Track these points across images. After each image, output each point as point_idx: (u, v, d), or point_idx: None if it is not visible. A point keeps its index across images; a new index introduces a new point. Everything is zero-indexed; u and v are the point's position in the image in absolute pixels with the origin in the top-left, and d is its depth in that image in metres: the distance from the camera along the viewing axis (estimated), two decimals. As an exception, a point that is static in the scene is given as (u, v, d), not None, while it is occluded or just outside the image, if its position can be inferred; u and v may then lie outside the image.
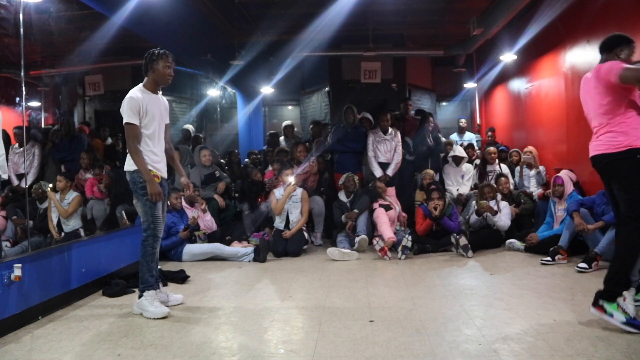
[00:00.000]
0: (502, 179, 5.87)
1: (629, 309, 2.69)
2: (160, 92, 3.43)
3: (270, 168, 6.52)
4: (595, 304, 2.80)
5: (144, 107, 3.23)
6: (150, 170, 3.26)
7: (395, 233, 5.38)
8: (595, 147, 2.95)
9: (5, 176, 3.38)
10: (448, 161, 6.60)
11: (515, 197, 5.76)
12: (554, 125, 6.36)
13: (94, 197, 4.42)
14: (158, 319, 3.13)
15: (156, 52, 3.29)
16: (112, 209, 4.52)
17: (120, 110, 3.24)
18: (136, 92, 3.25)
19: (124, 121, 3.21)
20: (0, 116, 3.14)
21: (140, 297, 3.25)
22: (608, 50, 2.97)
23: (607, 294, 2.77)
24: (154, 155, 3.32)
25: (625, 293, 2.73)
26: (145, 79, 3.34)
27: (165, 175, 3.41)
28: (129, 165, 3.26)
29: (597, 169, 3.05)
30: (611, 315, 2.72)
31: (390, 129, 6.08)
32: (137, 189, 3.25)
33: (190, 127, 7.27)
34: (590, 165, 3.04)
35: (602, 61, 2.94)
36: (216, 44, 7.50)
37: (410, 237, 4.94)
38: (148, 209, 3.26)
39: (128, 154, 3.25)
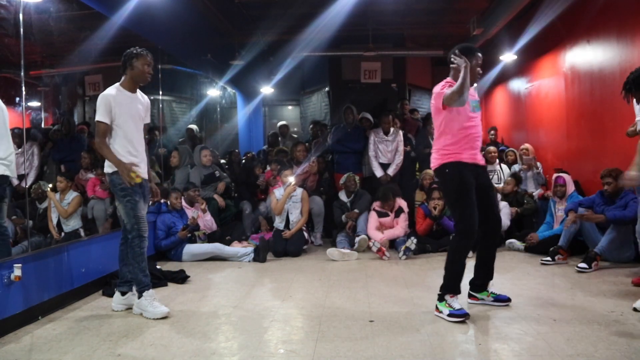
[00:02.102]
0: (509, 179, 5.85)
1: (453, 303, 3.03)
2: (139, 91, 3.38)
3: (269, 168, 6.51)
4: (435, 308, 3.10)
5: (116, 106, 3.19)
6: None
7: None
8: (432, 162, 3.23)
9: (15, 181, 3.36)
10: None
11: (520, 198, 5.74)
12: (553, 125, 6.35)
13: (96, 197, 4.41)
14: (158, 319, 3.12)
15: (135, 50, 3.27)
16: (114, 209, 4.51)
17: (96, 107, 3.20)
18: (110, 90, 3.22)
19: (96, 119, 3.18)
20: (7, 113, 3.13)
21: (139, 297, 3.25)
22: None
23: (440, 296, 3.10)
24: (133, 157, 3.27)
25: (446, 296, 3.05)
26: (123, 78, 3.29)
27: (145, 176, 3.37)
28: (108, 167, 3.23)
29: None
30: (441, 312, 3.04)
31: (391, 129, 6.07)
32: (116, 190, 3.22)
33: (194, 127, 7.27)
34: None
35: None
36: (216, 44, 7.50)
37: (415, 240, 4.93)
38: (130, 210, 3.21)
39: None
